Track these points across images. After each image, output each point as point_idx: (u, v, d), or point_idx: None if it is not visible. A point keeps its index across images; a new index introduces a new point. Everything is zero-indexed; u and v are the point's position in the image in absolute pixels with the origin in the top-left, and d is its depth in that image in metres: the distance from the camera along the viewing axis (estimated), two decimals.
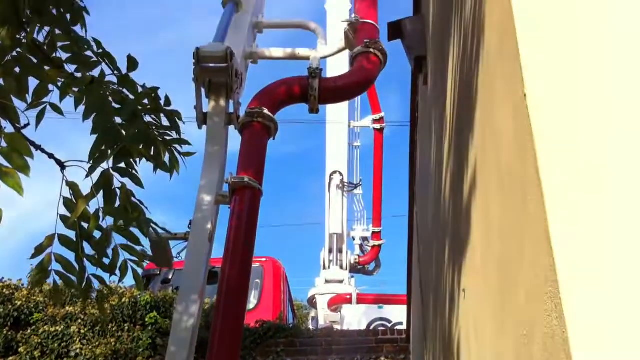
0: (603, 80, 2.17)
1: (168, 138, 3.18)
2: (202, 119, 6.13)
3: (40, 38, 3.09)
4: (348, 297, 14.27)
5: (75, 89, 2.94)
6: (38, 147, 3.05)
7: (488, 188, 3.00)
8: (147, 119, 3.18)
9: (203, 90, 6.08)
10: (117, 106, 3.05)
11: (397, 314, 13.09)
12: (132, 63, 3.02)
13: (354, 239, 15.17)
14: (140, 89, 3.12)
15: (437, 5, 4.79)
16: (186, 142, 3.20)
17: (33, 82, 3.09)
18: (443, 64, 4.37)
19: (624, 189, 1.96)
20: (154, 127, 3.16)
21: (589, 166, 2.02)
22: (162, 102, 3.12)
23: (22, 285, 11.17)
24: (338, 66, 10.75)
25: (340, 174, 13.43)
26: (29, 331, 10.49)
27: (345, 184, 13.52)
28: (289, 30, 7.68)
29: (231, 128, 6.24)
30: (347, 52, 7.00)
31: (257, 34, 7.09)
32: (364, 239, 15.19)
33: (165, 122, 3.18)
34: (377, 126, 13.90)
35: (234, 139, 6.34)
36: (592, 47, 2.21)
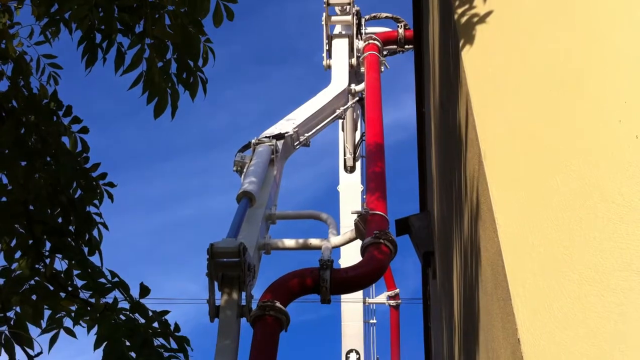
0: (594, 320, 2.24)
1: None
2: (215, 312, 6.20)
3: (57, 266, 3.24)
4: None
5: (88, 317, 3.04)
6: None
7: None
8: (157, 341, 3.25)
9: (216, 284, 6.21)
10: (128, 331, 3.14)
11: None
12: (144, 290, 3.15)
13: None
14: (150, 313, 3.22)
15: (441, 208, 4.98)
16: None
17: (49, 309, 3.21)
18: (448, 267, 4.48)
19: None
20: (162, 350, 3.22)
21: None
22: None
23: None
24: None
25: (357, 352, 13.21)
26: None
27: None
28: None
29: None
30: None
31: (270, 225, 7.32)
32: None
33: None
34: (393, 303, 13.86)
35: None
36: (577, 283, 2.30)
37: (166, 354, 3.21)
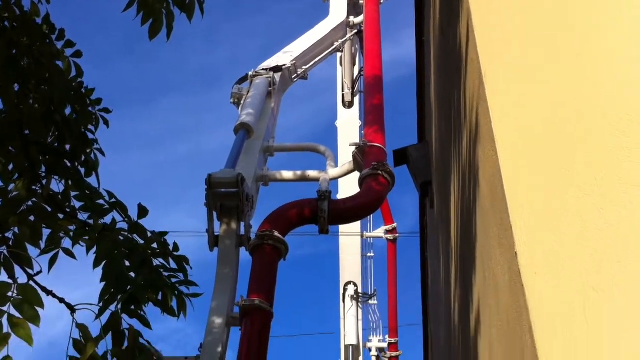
0: (589, 234, 2.24)
1: (175, 280, 3.26)
2: (214, 241, 6.23)
3: (54, 187, 3.23)
4: None
5: (87, 237, 3.05)
6: (49, 293, 3.14)
7: (491, 330, 3.03)
8: (156, 261, 3.27)
9: (215, 214, 6.23)
10: (127, 251, 3.16)
11: None
12: (142, 211, 3.15)
13: (370, 350, 14.95)
14: (149, 234, 3.23)
15: (439, 136, 4.96)
16: (193, 284, 3.29)
17: (47, 229, 3.21)
18: (446, 194, 4.48)
19: None
20: (162, 270, 3.25)
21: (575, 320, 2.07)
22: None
23: None
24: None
25: (355, 284, 13.41)
26: None
27: (360, 294, 13.48)
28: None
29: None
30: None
31: (268, 157, 7.30)
32: (381, 350, 14.97)
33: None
34: (390, 237, 13.99)
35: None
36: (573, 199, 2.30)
37: (165, 274, 3.23)
